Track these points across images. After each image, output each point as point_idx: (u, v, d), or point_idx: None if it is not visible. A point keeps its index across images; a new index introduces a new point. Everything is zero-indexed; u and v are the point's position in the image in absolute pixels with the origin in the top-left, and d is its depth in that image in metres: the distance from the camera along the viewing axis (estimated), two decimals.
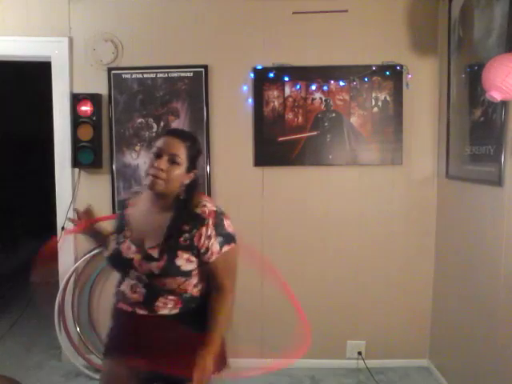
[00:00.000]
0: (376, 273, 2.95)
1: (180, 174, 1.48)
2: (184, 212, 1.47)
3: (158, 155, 1.46)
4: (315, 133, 2.85)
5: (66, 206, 2.93)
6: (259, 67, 2.84)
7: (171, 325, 1.50)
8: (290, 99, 2.85)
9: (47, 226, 3.72)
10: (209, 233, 1.46)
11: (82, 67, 2.90)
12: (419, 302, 2.95)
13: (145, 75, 2.88)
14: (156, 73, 2.88)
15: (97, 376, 2.86)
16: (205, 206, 1.48)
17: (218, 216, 1.48)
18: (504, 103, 2.00)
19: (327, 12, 2.81)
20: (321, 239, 2.93)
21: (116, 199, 2.94)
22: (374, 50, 2.82)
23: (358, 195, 2.91)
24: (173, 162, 1.46)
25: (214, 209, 1.49)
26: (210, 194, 2.88)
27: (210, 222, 1.46)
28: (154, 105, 2.89)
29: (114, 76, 2.88)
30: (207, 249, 1.46)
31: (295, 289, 2.92)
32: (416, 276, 2.94)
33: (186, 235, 1.46)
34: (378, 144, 2.85)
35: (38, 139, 4.56)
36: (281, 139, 2.86)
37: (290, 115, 2.86)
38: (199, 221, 1.46)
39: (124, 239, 1.54)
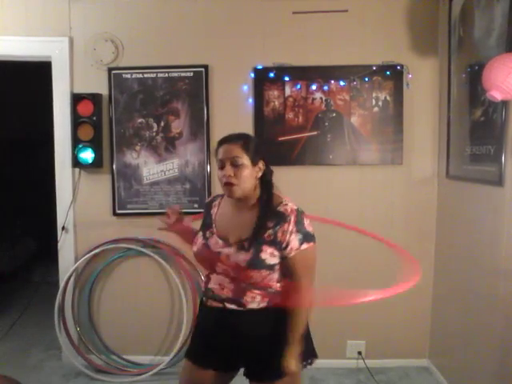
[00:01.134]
0: (376, 272, 2.94)
1: (248, 172, 1.57)
2: (268, 210, 1.58)
3: (222, 165, 1.58)
4: (315, 133, 2.86)
5: (66, 205, 2.93)
6: (259, 67, 2.84)
7: (260, 318, 1.58)
8: (291, 99, 2.85)
9: (47, 225, 3.73)
10: (290, 229, 1.54)
11: (82, 67, 2.90)
12: (419, 302, 2.95)
13: (145, 75, 2.88)
14: (156, 73, 2.88)
15: (97, 376, 2.86)
16: (286, 204, 1.60)
17: (299, 214, 1.57)
18: (504, 103, 2.00)
19: (327, 12, 2.82)
20: (320, 239, 2.91)
21: (116, 199, 2.94)
22: (374, 50, 2.82)
23: (358, 195, 2.91)
24: (236, 164, 1.56)
25: (295, 207, 1.59)
26: (210, 194, 2.88)
27: (292, 219, 1.55)
28: (155, 105, 2.89)
29: (114, 76, 2.89)
30: (287, 244, 1.54)
31: None
32: None
33: (270, 231, 1.55)
34: (378, 144, 2.86)
35: (39, 139, 4.56)
36: (281, 139, 2.86)
37: (290, 115, 2.86)
38: (282, 218, 1.56)
39: (211, 235, 1.65)
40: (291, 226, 1.55)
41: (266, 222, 1.56)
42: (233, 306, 1.57)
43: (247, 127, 2.87)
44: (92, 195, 2.97)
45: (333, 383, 2.82)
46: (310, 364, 1.66)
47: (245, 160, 1.56)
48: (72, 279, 2.96)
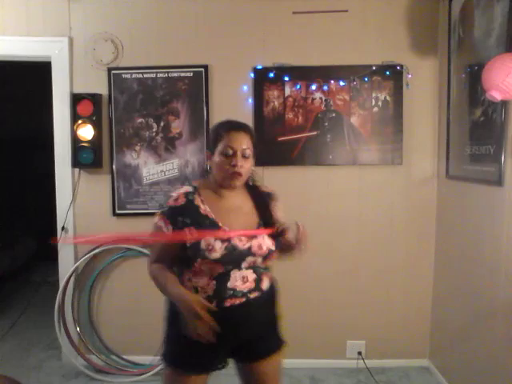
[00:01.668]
0: (376, 272, 2.95)
1: (251, 165, 1.63)
2: (260, 193, 1.69)
3: (231, 154, 1.55)
4: (315, 133, 2.86)
5: (66, 205, 2.93)
6: (259, 67, 2.84)
7: (269, 297, 1.66)
8: (290, 99, 2.85)
9: (47, 225, 3.73)
10: (278, 204, 1.71)
11: (82, 67, 2.90)
12: (419, 301, 2.95)
13: (145, 75, 2.88)
14: (156, 73, 2.88)
15: (97, 376, 2.86)
16: (264, 186, 1.75)
17: (276, 193, 1.74)
18: (504, 103, 2.00)
19: (327, 12, 2.82)
20: (321, 239, 2.93)
21: (116, 199, 2.94)
22: (374, 50, 2.82)
23: (358, 195, 2.91)
24: (245, 156, 1.57)
25: (271, 188, 1.74)
26: None
27: (276, 196, 1.72)
28: (154, 105, 2.89)
29: (114, 76, 2.89)
30: (279, 218, 1.67)
31: (295, 289, 2.93)
32: (416, 276, 2.95)
33: (270, 212, 1.66)
34: (378, 144, 2.86)
35: (38, 139, 4.56)
36: (281, 139, 2.86)
37: (290, 115, 2.86)
38: (271, 196, 1.71)
39: (224, 234, 1.55)
40: (277, 203, 1.71)
41: (264, 203, 1.67)
42: (256, 294, 1.59)
43: None
44: (92, 195, 2.97)
45: (333, 383, 2.82)
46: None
47: (251, 152, 1.60)
48: (72, 279, 2.96)
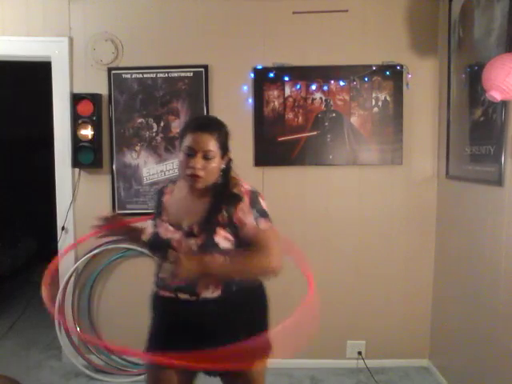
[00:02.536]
0: (376, 273, 2.95)
1: (217, 165, 1.53)
2: (221, 194, 1.54)
3: (191, 154, 1.49)
4: (315, 133, 2.86)
5: (66, 205, 2.93)
6: (259, 67, 2.84)
7: (214, 309, 1.52)
8: (290, 99, 2.85)
9: (47, 226, 3.72)
10: (245, 209, 1.51)
11: (81, 67, 2.90)
12: (419, 301, 2.95)
13: (145, 75, 2.88)
14: (156, 73, 2.88)
15: (97, 376, 2.86)
16: (241, 186, 1.56)
17: (254, 194, 1.55)
18: (504, 103, 2.00)
19: (327, 12, 2.82)
20: (321, 239, 2.93)
21: (116, 199, 2.94)
22: (374, 50, 2.82)
23: (358, 195, 2.91)
24: (207, 157, 1.49)
25: (250, 188, 1.57)
26: None
27: (246, 199, 1.52)
28: (154, 105, 2.89)
29: (114, 76, 2.88)
30: (244, 224, 1.50)
31: (295, 289, 2.92)
32: (416, 276, 2.95)
33: (224, 213, 1.51)
34: (378, 144, 2.86)
35: (38, 139, 4.56)
36: (281, 139, 2.86)
37: (290, 115, 2.86)
38: (236, 199, 1.52)
39: (161, 222, 1.59)
40: (245, 207, 1.51)
41: (220, 205, 1.52)
42: (185, 297, 1.52)
43: (247, 127, 2.87)
44: (92, 195, 2.97)
45: (333, 383, 2.81)
46: (267, 356, 1.61)
47: (216, 153, 1.51)
48: (72, 279, 2.96)
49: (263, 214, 1.53)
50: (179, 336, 1.53)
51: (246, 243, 1.52)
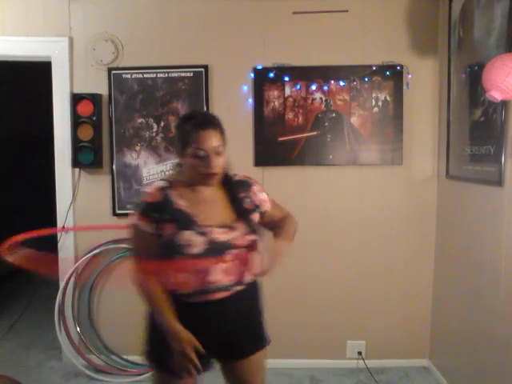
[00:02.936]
0: (376, 273, 2.95)
1: (225, 157, 1.54)
2: (232, 184, 1.62)
3: (204, 155, 1.47)
4: (315, 133, 2.86)
5: (66, 206, 2.93)
6: (259, 67, 2.84)
7: (252, 290, 1.65)
8: (291, 99, 2.85)
9: (47, 226, 3.72)
10: (256, 189, 1.65)
11: (82, 67, 2.90)
12: (419, 302, 2.95)
13: (145, 75, 2.88)
14: (156, 73, 2.88)
15: (97, 376, 2.86)
16: (237, 174, 1.66)
17: (251, 178, 1.69)
18: (504, 103, 2.00)
19: (327, 12, 2.82)
20: (321, 239, 2.93)
21: (116, 199, 2.94)
22: (374, 50, 2.82)
23: (358, 195, 2.91)
24: (218, 153, 1.49)
25: (245, 174, 1.69)
26: None
27: (252, 181, 1.67)
28: (154, 105, 2.89)
29: (114, 76, 2.89)
30: (261, 202, 1.65)
31: (295, 289, 2.93)
32: (416, 276, 2.95)
33: (247, 200, 1.61)
34: (378, 144, 2.86)
35: (38, 139, 4.56)
36: (281, 139, 2.86)
37: (290, 115, 2.86)
38: (246, 184, 1.65)
39: (203, 228, 1.50)
40: (256, 187, 1.65)
41: (238, 193, 1.61)
42: (239, 288, 1.58)
43: (247, 127, 2.87)
44: (92, 195, 2.97)
45: (333, 383, 2.81)
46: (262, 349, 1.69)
47: (224, 148, 1.52)
48: (72, 279, 2.96)
49: (264, 192, 1.70)
50: (214, 335, 1.57)
51: (266, 221, 1.66)
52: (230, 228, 1.54)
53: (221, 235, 1.52)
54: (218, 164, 1.48)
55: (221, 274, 1.52)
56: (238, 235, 1.54)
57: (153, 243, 1.52)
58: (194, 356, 1.45)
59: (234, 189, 1.61)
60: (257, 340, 1.67)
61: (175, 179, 1.58)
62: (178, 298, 1.53)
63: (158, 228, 1.50)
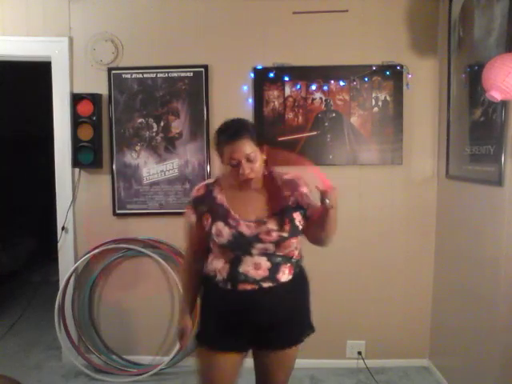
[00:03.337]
0: (376, 273, 2.95)
1: (260, 161, 1.64)
2: (275, 183, 1.69)
3: (237, 164, 1.59)
4: (315, 133, 2.86)
5: (66, 205, 2.93)
6: (259, 67, 2.84)
7: (288, 290, 1.67)
8: (290, 99, 2.85)
9: (47, 225, 3.73)
10: (305, 191, 1.70)
11: (82, 67, 2.90)
12: (419, 301, 2.95)
13: (145, 75, 2.88)
14: (156, 73, 2.88)
15: (97, 376, 2.86)
16: (287, 173, 1.73)
17: (302, 178, 1.73)
18: (504, 103, 2.00)
19: (327, 12, 2.82)
20: None
21: (116, 199, 2.94)
22: (374, 50, 2.82)
23: (358, 195, 2.91)
24: (250, 160, 1.60)
25: (297, 174, 1.73)
26: None
27: (302, 182, 1.71)
28: (154, 105, 2.89)
29: (114, 76, 2.89)
30: (309, 205, 1.68)
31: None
32: (416, 276, 2.95)
33: (292, 198, 1.67)
34: (378, 144, 2.86)
35: (38, 139, 4.57)
36: (281, 139, 2.86)
37: (290, 115, 2.86)
38: (295, 184, 1.70)
39: (237, 222, 1.63)
40: (305, 188, 1.70)
41: (282, 192, 1.67)
42: (269, 284, 1.62)
43: None
44: (92, 195, 2.97)
45: (333, 383, 2.82)
46: (311, 333, 1.78)
47: (255, 151, 1.62)
48: (72, 279, 2.96)
49: (312, 196, 1.71)
50: (249, 322, 1.66)
51: (310, 223, 1.68)
52: (259, 223, 1.62)
53: (247, 229, 1.61)
54: (251, 170, 1.60)
55: (250, 267, 1.61)
56: (265, 230, 1.60)
57: (197, 232, 1.70)
58: (181, 338, 1.78)
59: (278, 188, 1.68)
60: (288, 337, 1.72)
61: (222, 178, 1.74)
62: (214, 283, 1.68)
63: (201, 219, 1.68)
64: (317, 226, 1.65)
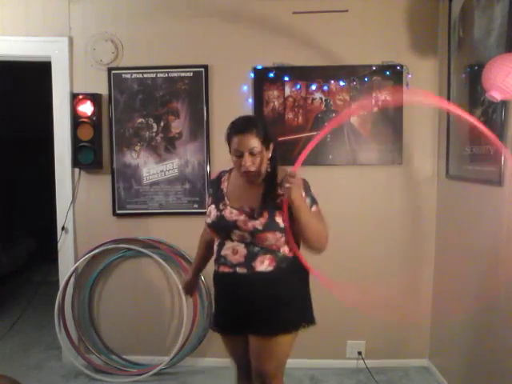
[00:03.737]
0: (376, 272, 2.95)
1: (264, 157, 1.74)
2: (275, 180, 1.76)
3: (240, 155, 1.71)
4: (315, 133, 2.85)
5: (66, 205, 2.93)
6: (259, 67, 2.84)
7: (267, 279, 1.73)
8: (290, 99, 2.85)
9: (47, 225, 3.72)
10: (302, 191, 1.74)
11: (82, 67, 2.90)
12: (419, 301, 2.95)
13: (145, 75, 2.88)
14: (156, 73, 2.88)
15: (97, 376, 2.86)
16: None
17: (305, 182, 1.79)
18: (504, 103, 2.00)
19: (327, 12, 2.82)
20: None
21: (116, 199, 2.94)
22: (374, 50, 2.82)
23: (358, 195, 2.91)
24: (253, 153, 1.70)
25: (301, 177, 1.75)
26: None
27: (300, 183, 1.73)
28: (154, 105, 2.89)
29: (114, 76, 2.89)
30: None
31: None
32: (416, 275, 2.95)
33: (282, 198, 1.70)
34: (378, 144, 2.86)
35: (38, 139, 4.56)
36: (281, 139, 2.85)
37: (290, 115, 2.86)
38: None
39: (225, 206, 1.78)
40: (303, 190, 1.74)
41: (275, 189, 1.73)
42: (242, 271, 1.73)
43: None
44: (92, 195, 2.97)
45: (333, 383, 2.82)
46: (306, 326, 1.85)
47: (260, 147, 1.71)
48: (72, 279, 2.96)
49: (314, 201, 1.81)
50: (235, 305, 1.80)
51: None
52: (241, 211, 1.73)
53: (229, 214, 1.74)
54: (252, 163, 1.71)
55: (229, 251, 1.75)
56: (242, 219, 1.70)
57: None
58: (185, 292, 2.17)
59: (273, 184, 1.75)
60: (265, 326, 1.76)
61: (234, 168, 1.86)
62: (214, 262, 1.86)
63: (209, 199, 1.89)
64: (298, 223, 1.68)
